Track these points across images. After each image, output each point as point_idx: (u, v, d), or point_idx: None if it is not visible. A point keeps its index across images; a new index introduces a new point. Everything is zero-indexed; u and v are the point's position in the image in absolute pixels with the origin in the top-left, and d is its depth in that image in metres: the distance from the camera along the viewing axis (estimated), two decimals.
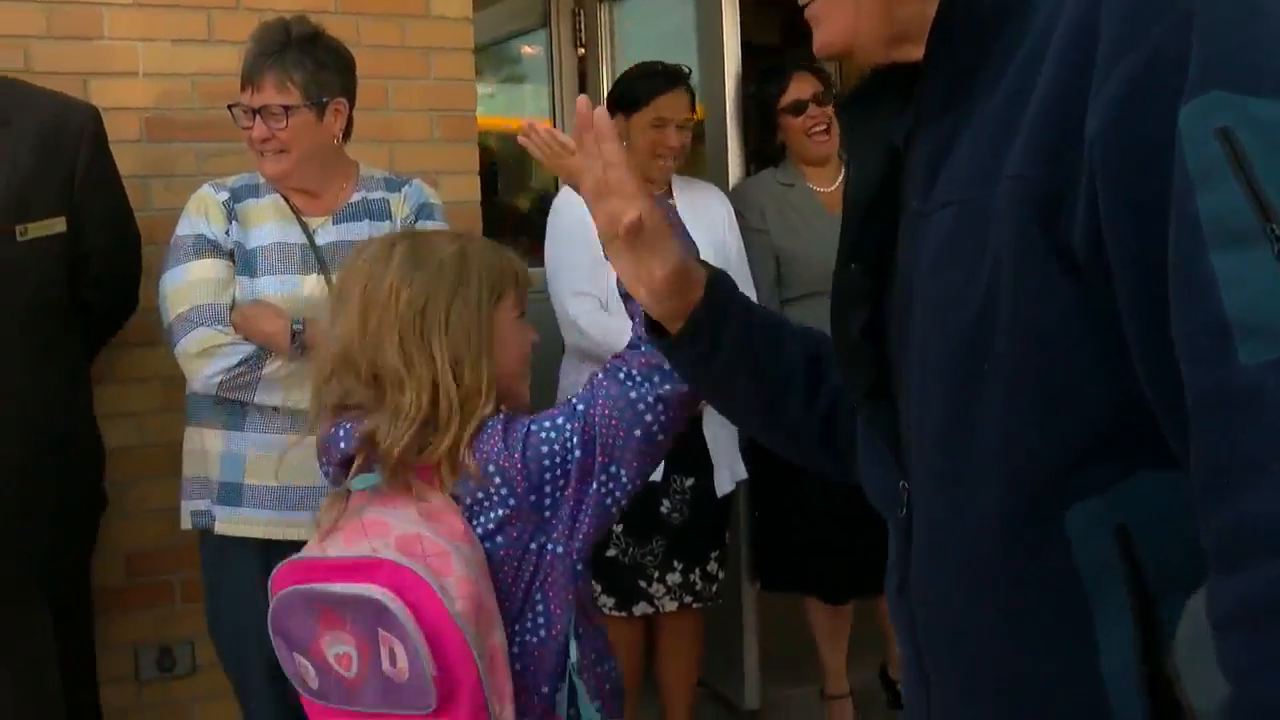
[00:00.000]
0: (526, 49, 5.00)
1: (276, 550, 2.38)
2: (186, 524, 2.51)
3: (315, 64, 2.38)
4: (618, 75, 4.16)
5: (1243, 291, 0.74)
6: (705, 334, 1.29)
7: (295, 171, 2.43)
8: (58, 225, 2.37)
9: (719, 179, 3.59)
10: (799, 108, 3.42)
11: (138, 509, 2.88)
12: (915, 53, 1.03)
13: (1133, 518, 0.89)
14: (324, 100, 2.39)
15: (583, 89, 4.64)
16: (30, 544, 2.36)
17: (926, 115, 1.02)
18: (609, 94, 3.28)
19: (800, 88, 3.43)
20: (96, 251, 2.48)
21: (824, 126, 3.41)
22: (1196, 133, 0.77)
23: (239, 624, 2.44)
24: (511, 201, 5.36)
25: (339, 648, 1.56)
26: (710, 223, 3.24)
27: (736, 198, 3.49)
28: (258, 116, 2.36)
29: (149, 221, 2.76)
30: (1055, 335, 0.88)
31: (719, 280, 1.31)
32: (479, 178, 3.31)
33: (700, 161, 3.84)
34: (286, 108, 2.35)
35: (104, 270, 2.53)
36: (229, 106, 2.43)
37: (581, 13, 4.62)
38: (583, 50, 4.63)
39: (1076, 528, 0.90)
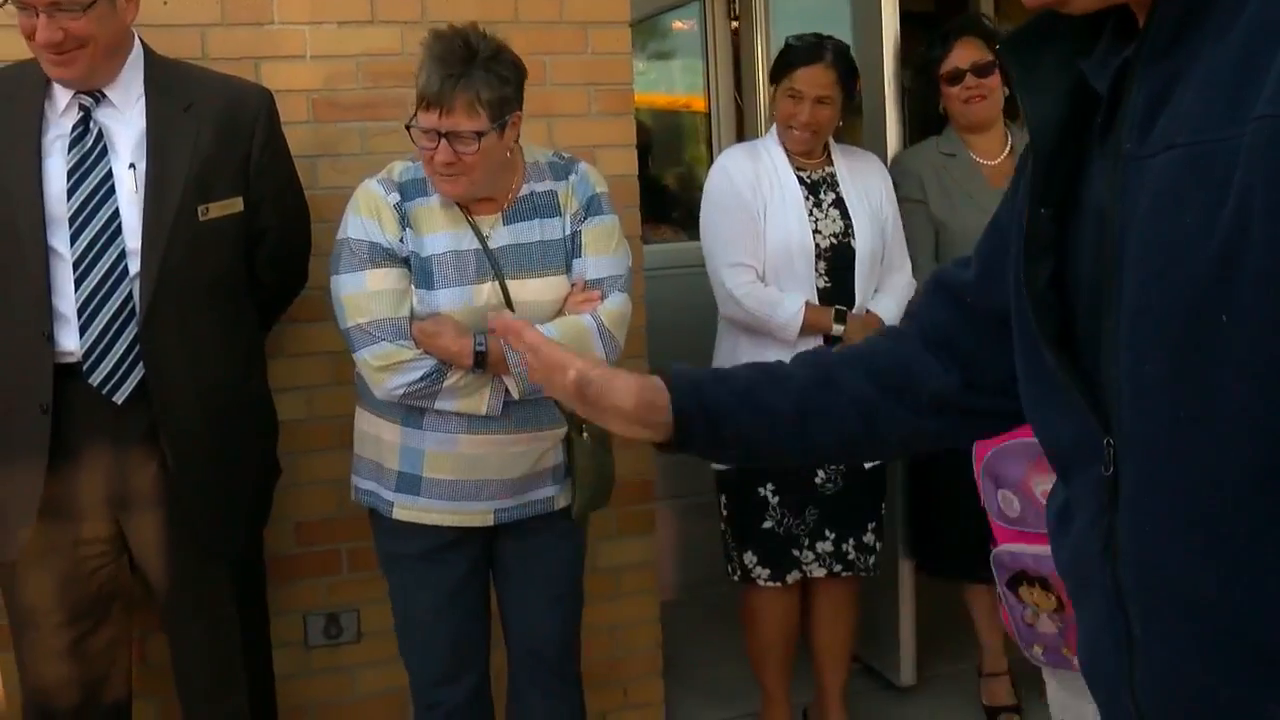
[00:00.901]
0: (680, 24, 4.98)
1: (450, 533, 2.50)
2: (354, 498, 2.60)
3: (500, 81, 2.31)
4: (771, 48, 4.13)
5: None
6: (696, 421, 1.32)
7: (474, 189, 2.40)
8: (236, 205, 2.44)
9: (877, 149, 3.53)
10: (957, 76, 3.35)
11: (306, 480, 2.97)
12: None
13: None
14: (506, 116, 2.34)
15: (737, 63, 4.62)
16: (219, 508, 2.48)
17: (1148, 54, 0.98)
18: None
19: (961, 55, 3.35)
20: (270, 230, 2.56)
21: (981, 96, 3.33)
22: None
23: (415, 595, 2.56)
24: (662, 177, 5.36)
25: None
26: (867, 190, 3.23)
27: (896, 167, 3.44)
28: (443, 140, 2.31)
29: (316, 200, 2.84)
30: None
31: (677, 375, 1.34)
32: (635, 151, 3.30)
33: (856, 131, 3.78)
34: (479, 134, 2.29)
35: (277, 248, 2.61)
36: (407, 126, 2.36)
37: None
38: (736, 23, 4.60)
39: None
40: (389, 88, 2.98)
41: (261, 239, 2.55)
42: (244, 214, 2.47)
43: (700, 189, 3.32)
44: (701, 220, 3.17)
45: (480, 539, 2.56)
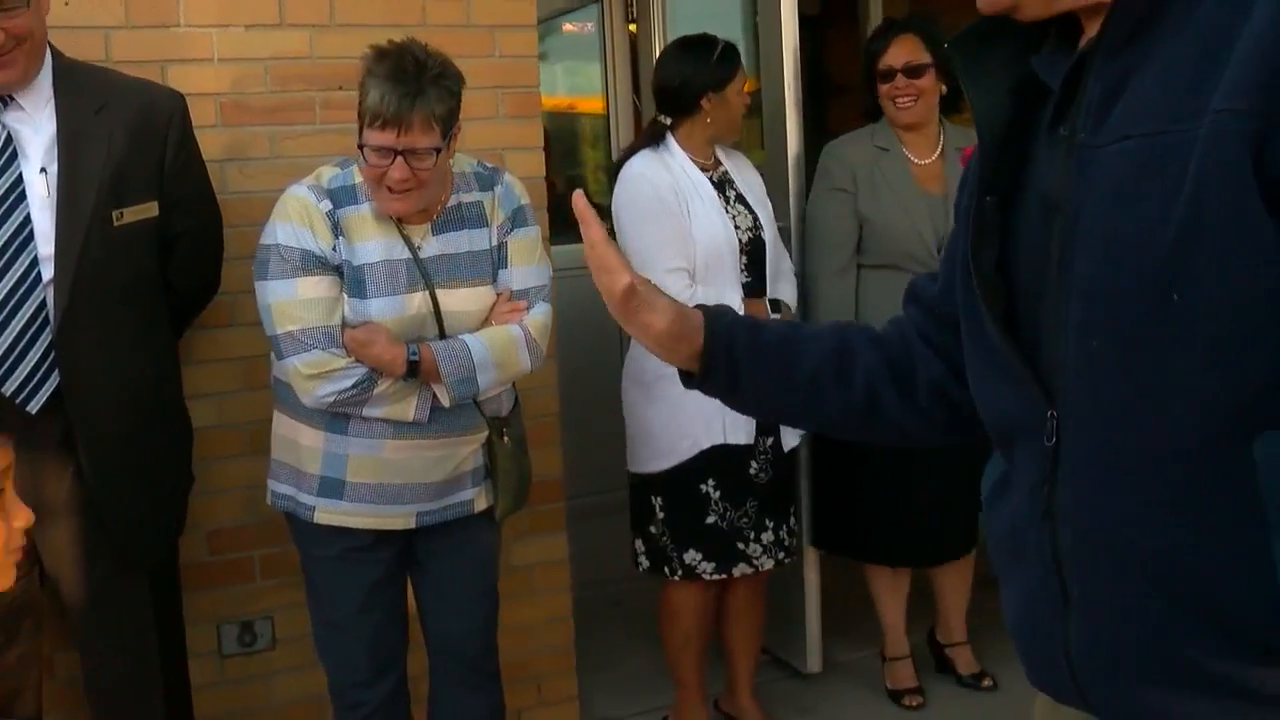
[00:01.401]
0: (571, 26, 5.02)
1: (370, 535, 2.51)
2: (270, 502, 2.59)
3: (449, 96, 2.33)
4: None
5: None
6: (721, 368, 1.40)
7: (420, 205, 2.42)
8: (150, 210, 2.42)
9: (777, 150, 3.61)
10: (888, 74, 3.43)
11: (218, 487, 2.93)
12: (1077, 1, 1.08)
13: None
14: (452, 131, 2.37)
15: (635, 65, 4.67)
16: (138, 517, 2.45)
17: (1105, 50, 1.05)
18: (681, 75, 3.23)
19: (895, 54, 3.42)
20: (185, 235, 2.53)
21: (911, 97, 3.40)
22: None
23: (334, 597, 2.56)
24: (562, 178, 5.40)
25: None
26: (752, 187, 3.33)
27: (829, 154, 3.52)
28: (399, 158, 2.31)
29: (225, 204, 2.80)
30: (1258, 270, 0.92)
31: (716, 319, 1.42)
32: (543, 153, 3.33)
33: (755, 134, 3.86)
34: (436, 150, 2.32)
35: (191, 253, 2.58)
36: (360, 146, 2.34)
37: None
38: (634, 26, 4.65)
39: (1266, 455, 0.95)
40: (298, 91, 2.96)
41: (176, 244, 2.52)
42: (158, 218, 2.44)
43: (601, 192, 3.35)
44: (627, 230, 3.16)
45: (399, 540, 2.57)
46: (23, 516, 1.50)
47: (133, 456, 2.40)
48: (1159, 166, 0.97)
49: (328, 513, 2.48)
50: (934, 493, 3.35)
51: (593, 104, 4.94)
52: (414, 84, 2.28)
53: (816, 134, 3.83)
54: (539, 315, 2.55)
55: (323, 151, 2.88)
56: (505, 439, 2.60)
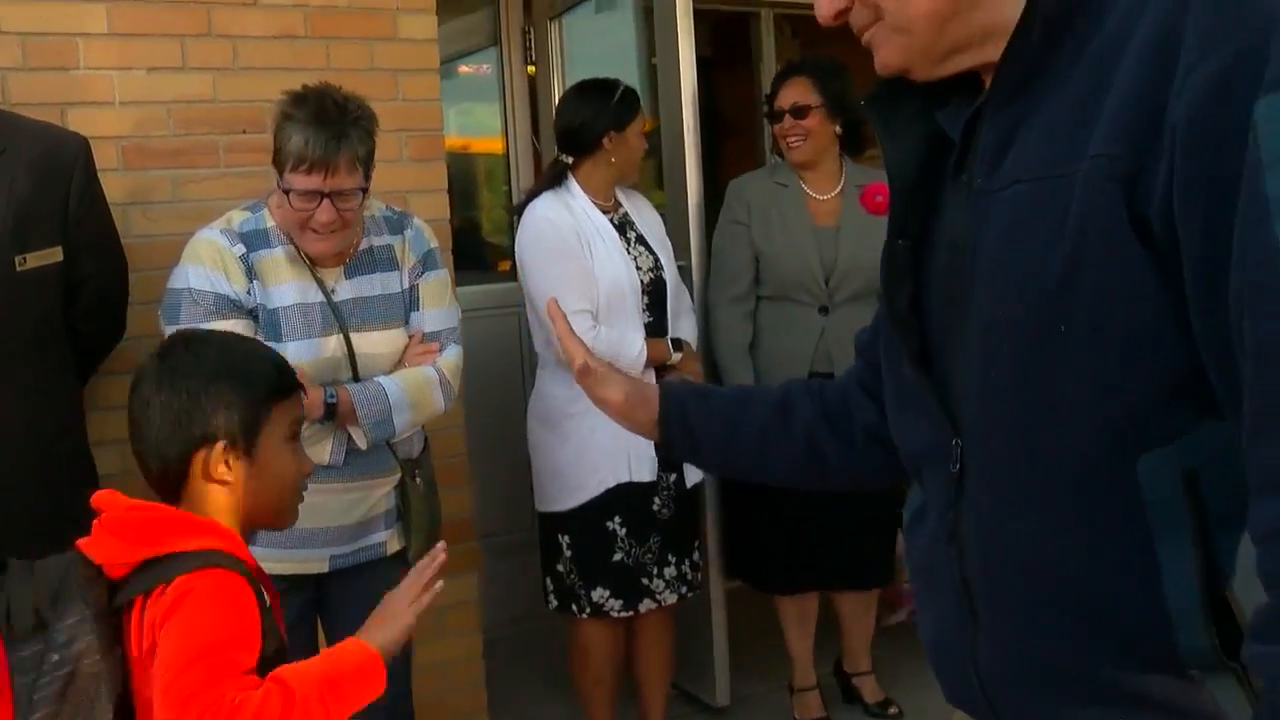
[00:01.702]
0: (467, 68, 5.06)
1: (284, 581, 2.46)
2: None
3: (369, 137, 2.38)
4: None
5: None
6: (677, 435, 1.55)
7: (341, 246, 2.44)
8: (55, 255, 2.38)
9: (677, 191, 3.67)
10: (778, 115, 3.54)
11: None
12: (969, 60, 1.16)
13: (1199, 463, 1.01)
14: (371, 172, 2.41)
15: (533, 105, 4.72)
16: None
17: (996, 103, 1.14)
18: (582, 116, 3.29)
19: (785, 96, 3.53)
20: (89, 280, 2.50)
21: (798, 137, 3.50)
22: (1270, 123, 0.89)
23: None
24: (460, 218, 5.42)
25: None
26: (652, 227, 3.38)
27: (731, 189, 3.62)
28: (325, 200, 2.33)
29: (128, 248, 2.77)
30: (1135, 300, 1.00)
31: (667, 389, 1.57)
32: (447, 195, 3.36)
33: (654, 174, 3.92)
34: (361, 190, 2.35)
35: (96, 298, 2.55)
36: (285, 190, 2.34)
37: (531, 31, 4.70)
38: (533, 68, 4.70)
39: (1147, 472, 1.03)
40: (201, 134, 2.96)
41: (80, 289, 2.49)
42: (63, 264, 2.41)
43: (502, 231, 3.38)
44: (528, 271, 3.19)
45: (311, 584, 2.56)
46: None
47: (37, 506, 2.34)
48: (1045, 208, 1.05)
49: None
50: (837, 521, 3.42)
51: (491, 145, 4.97)
52: (337, 127, 2.30)
53: (711, 173, 3.91)
54: (451, 356, 2.59)
55: (226, 195, 2.88)
56: (417, 480, 2.62)
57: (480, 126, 5.06)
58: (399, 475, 2.58)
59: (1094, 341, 1.02)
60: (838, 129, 3.53)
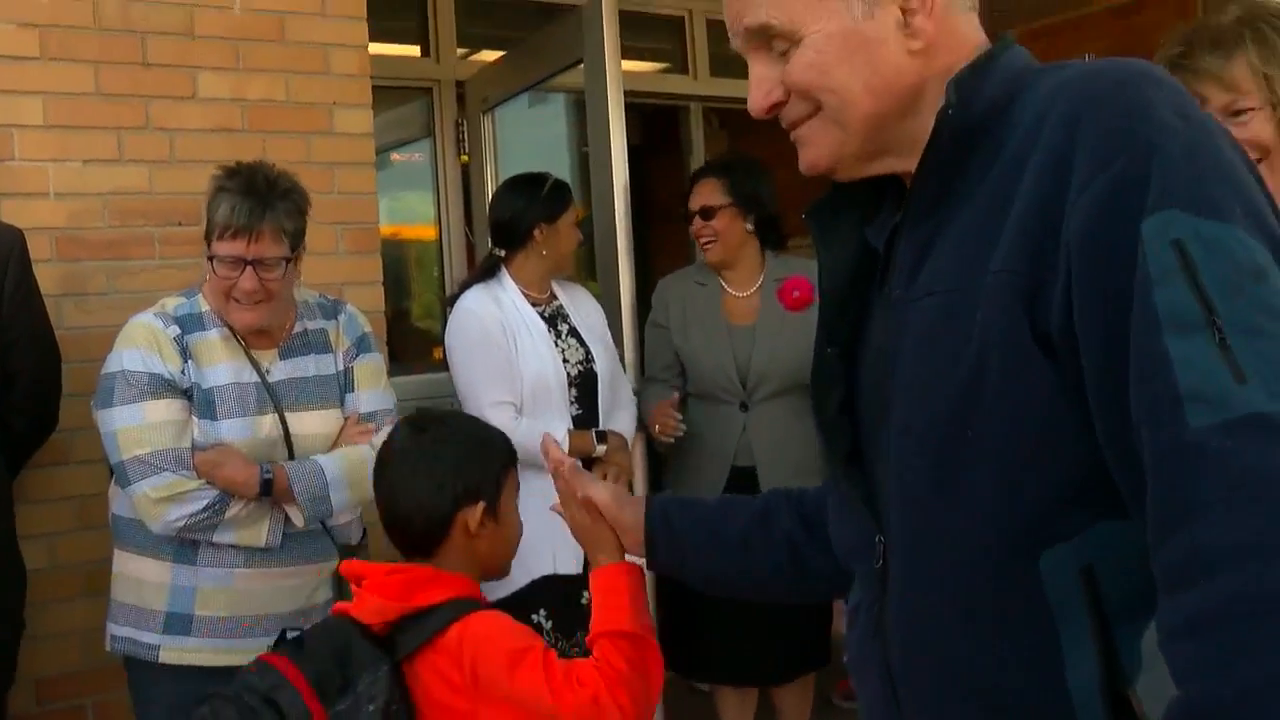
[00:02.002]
0: (399, 155, 5.10)
1: (218, 675, 2.42)
2: (109, 648, 2.51)
3: (299, 213, 2.42)
4: (499, 181, 4.31)
5: (1192, 369, 0.93)
6: (662, 541, 1.59)
7: (269, 319, 2.45)
8: None
9: (610, 282, 3.72)
10: (689, 217, 3.58)
11: (49, 632, 2.83)
12: (894, 165, 1.21)
13: (1096, 559, 1.06)
14: (299, 250, 2.44)
15: (466, 195, 4.77)
16: None
17: (912, 218, 1.19)
18: (513, 208, 3.34)
19: (695, 198, 3.57)
20: (23, 373, 2.49)
21: (709, 238, 3.53)
22: (1156, 241, 0.96)
23: None
24: (391, 306, 5.42)
25: None
26: (589, 318, 3.42)
27: (656, 291, 3.68)
28: (249, 268, 2.36)
29: (61, 340, 2.76)
30: (1035, 405, 1.04)
31: (652, 499, 1.63)
32: (382, 288, 3.38)
33: (581, 264, 3.97)
34: (286, 259, 2.37)
35: (28, 392, 2.53)
36: (209, 257, 2.38)
37: (464, 123, 4.76)
38: (466, 158, 4.76)
39: (1049, 568, 1.07)
40: (137, 226, 2.96)
41: (13, 382, 2.48)
42: None
43: (433, 317, 3.40)
44: (454, 363, 3.23)
45: None
46: None
47: None
48: (953, 319, 1.10)
49: (174, 651, 2.42)
50: (775, 613, 3.43)
51: (425, 232, 5.01)
52: (264, 197, 2.36)
53: (645, 262, 3.96)
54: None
55: (161, 287, 2.88)
56: None
57: (414, 214, 5.09)
58: (337, 562, 2.55)
59: (997, 446, 1.07)
60: (749, 226, 3.54)
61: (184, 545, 2.41)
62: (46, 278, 2.78)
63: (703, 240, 3.56)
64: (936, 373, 1.12)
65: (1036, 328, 1.03)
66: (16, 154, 2.84)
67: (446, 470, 1.88)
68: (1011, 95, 1.14)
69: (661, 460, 3.71)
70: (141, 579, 2.45)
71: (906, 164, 1.19)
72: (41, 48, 2.88)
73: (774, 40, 1.18)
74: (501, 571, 2.01)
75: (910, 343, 1.16)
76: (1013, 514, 1.08)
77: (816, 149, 1.21)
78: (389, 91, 4.68)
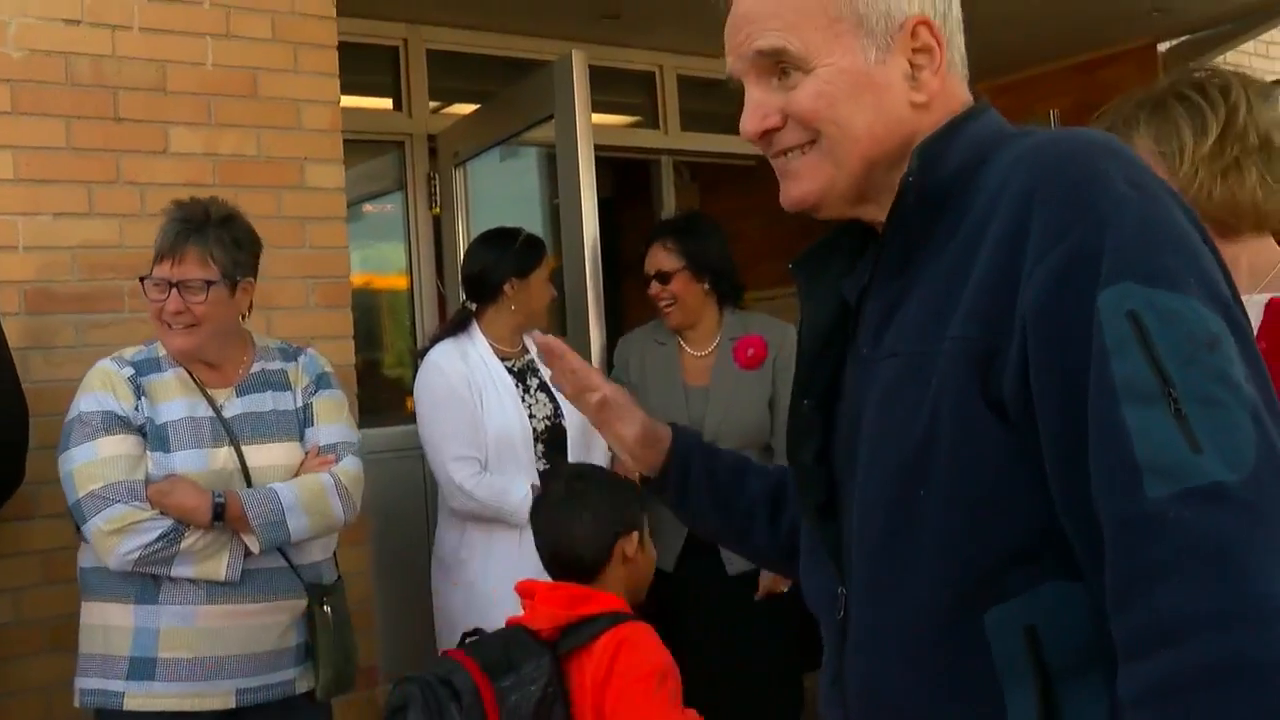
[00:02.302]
0: (371, 207, 5.14)
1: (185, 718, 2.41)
2: (78, 703, 2.49)
3: (234, 242, 2.46)
4: (471, 233, 4.35)
5: (1149, 440, 0.94)
6: (673, 482, 1.57)
7: (202, 345, 2.48)
8: None
9: (580, 337, 3.74)
10: (647, 280, 3.56)
11: (14, 689, 2.81)
12: (874, 213, 1.23)
13: (1039, 619, 1.07)
14: (237, 278, 2.47)
15: (438, 246, 4.80)
16: None
17: (881, 277, 1.22)
18: (484, 262, 3.37)
19: (650, 262, 3.55)
20: None
21: (667, 301, 3.50)
22: (1112, 313, 0.98)
23: None
24: (361, 359, 5.42)
25: None
26: None
27: (618, 348, 3.69)
28: (174, 290, 2.40)
29: (28, 393, 2.75)
30: (987, 468, 1.07)
31: (680, 436, 1.59)
32: (353, 342, 3.39)
33: (554, 316, 3.99)
34: (208, 282, 2.41)
35: None
36: (140, 279, 2.45)
37: (436, 176, 4.80)
38: (437, 210, 4.79)
39: (994, 625, 1.09)
40: (107, 280, 2.97)
41: None
42: None
43: (405, 365, 3.40)
44: (419, 416, 3.25)
45: None
46: None
47: None
48: (911, 379, 1.13)
49: (139, 697, 2.40)
50: (757, 665, 3.42)
51: (398, 282, 5.04)
52: (195, 224, 2.43)
53: (613, 312, 3.98)
54: (349, 466, 2.59)
55: (130, 340, 2.85)
56: (326, 609, 2.56)
57: (387, 263, 5.12)
58: (305, 602, 2.54)
59: (947, 505, 1.10)
60: (706, 287, 3.52)
61: (145, 584, 2.40)
62: (14, 331, 2.79)
63: (662, 304, 3.53)
64: (893, 432, 1.14)
65: (990, 393, 1.06)
66: None
67: (605, 508, 2.27)
68: (977, 162, 1.16)
69: None
70: (107, 625, 2.44)
71: (881, 214, 1.22)
72: (13, 102, 2.89)
73: (784, 66, 1.19)
74: (642, 593, 2.36)
75: (873, 401, 1.19)
76: (960, 571, 1.10)
77: (806, 183, 1.22)
78: (361, 145, 4.72)
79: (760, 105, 1.21)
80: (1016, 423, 1.05)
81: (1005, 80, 5.85)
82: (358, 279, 5.16)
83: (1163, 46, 5.86)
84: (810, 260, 1.34)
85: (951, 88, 1.22)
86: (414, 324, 4.86)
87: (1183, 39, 5.92)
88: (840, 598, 1.25)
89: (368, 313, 5.12)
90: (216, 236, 2.44)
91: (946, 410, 1.08)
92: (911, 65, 1.19)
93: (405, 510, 3.95)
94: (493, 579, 3.09)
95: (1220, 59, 5.80)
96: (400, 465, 3.95)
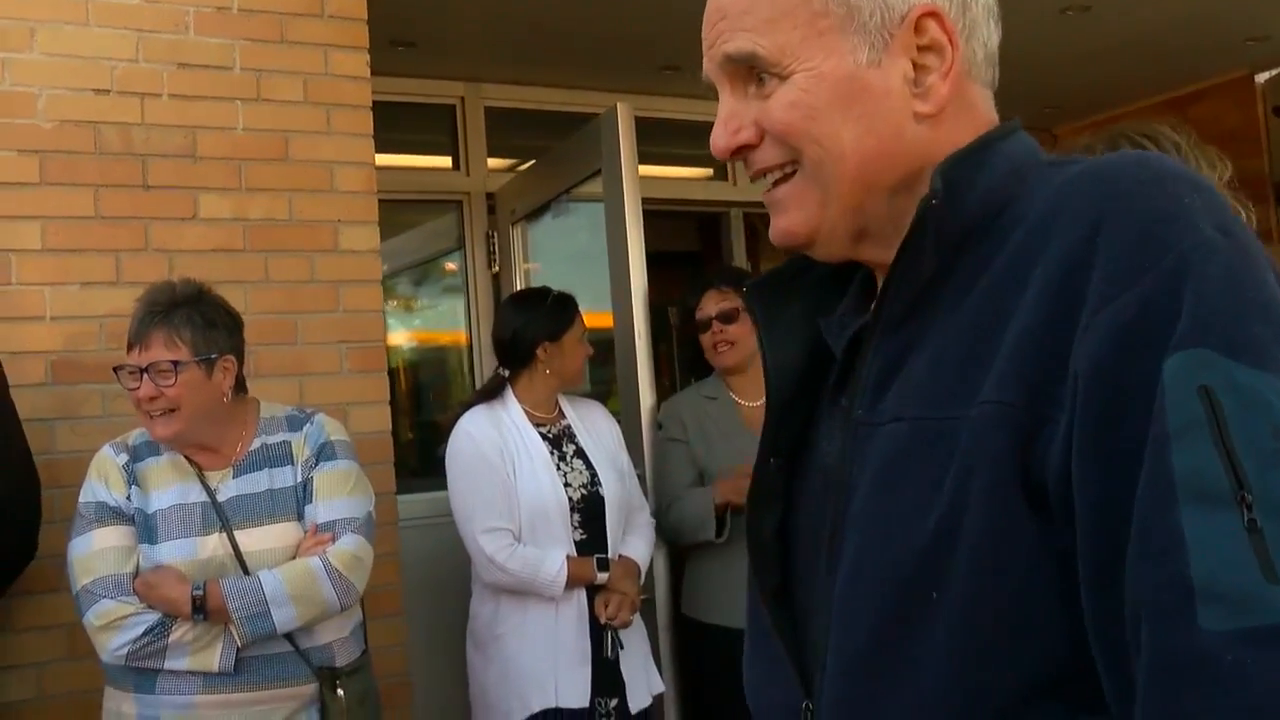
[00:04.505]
0: (447, 267, 5.14)
1: None
2: None
3: (204, 321, 2.39)
4: None
5: (1210, 555, 0.73)
6: None
7: (186, 431, 2.40)
8: None
9: (630, 396, 3.64)
10: (705, 324, 3.51)
11: None
12: (872, 253, 1.03)
13: None
14: (212, 357, 2.39)
15: (497, 302, 4.77)
16: None
17: (884, 326, 1.00)
18: (512, 327, 3.26)
19: (708, 304, 3.52)
20: None
21: (728, 343, 3.48)
22: (1181, 385, 0.77)
23: None
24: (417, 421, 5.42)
25: None
26: (601, 437, 3.30)
27: (664, 411, 3.58)
28: (145, 376, 2.35)
29: (53, 465, 2.75)
30: (1020, 571, 0.84)
31: None
32: (389, 407, 3.32)
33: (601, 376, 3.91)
34: (176, 363, 2.35)
35: (4, 519, 2.49)
36: (114, 369, 2.41)
37: (494, 235, 4.76)
38: (497, 269, 4.75)
39: None
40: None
41: None
42: None
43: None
44: (450, 486, 3.15)
45: None
46: None
47: None
48: (925, 454, 0.90)
49: None
50: None
51: (461, 338, 5.04)
52: (160, 308, 2.38)
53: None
54: (346, 545, 2.45)
55: None
56: (339, 694, 2.46)
57: (454, 321, 5.11)
58: (314, 686, 2.44)
59: (966, 617, 0.86)
60: None
61: (141, 675, 2.34)
62: (40, 402, 2.78)
63: (721, 345, 3.49)
64: (901, 516, 0.91)
65: (1030, 476, 0.83)
66: (14, 278, 2.85)
67: None
68: (1012, 190, 0.95)
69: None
70: (120, 712, 2.39)
71: (884, 254, 1.00)
72: (42, 173, 2.90)
73: (757, 72, 1.00)
74: None
75: (871, 474, 0.95)
76: (964, 702, 0.86)
77: (793, 215, 1.02)
78: (423, 205, 4.72)
79: (732, 117, 1.02)
80: (1058, 516, 0.82)
81: (1090, 120, 5.61)
82: (420, 336, 5.17)
83: (1261, 77, 5.56)
84: (771, 288, 1.12)
85: (970, 97, 1.01)
86: (474, 385, 4.81)
87: None
88: (805, 713, 1.01)
89: (429, 373, 5.11)
90: (185, 316, 2.38)
91: (975, 496, 0.85)
92: (915, 67, 0.98)
93: (442, 583, 3.85)
94: (530, 657, 2.99)
95: None
96: (442, 531, 3.85)
